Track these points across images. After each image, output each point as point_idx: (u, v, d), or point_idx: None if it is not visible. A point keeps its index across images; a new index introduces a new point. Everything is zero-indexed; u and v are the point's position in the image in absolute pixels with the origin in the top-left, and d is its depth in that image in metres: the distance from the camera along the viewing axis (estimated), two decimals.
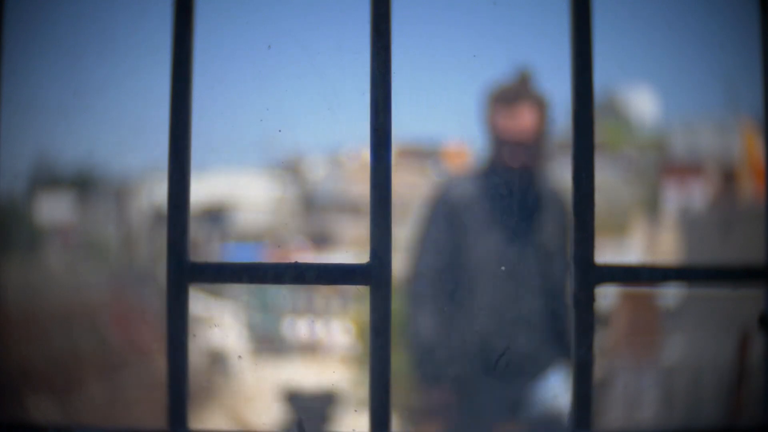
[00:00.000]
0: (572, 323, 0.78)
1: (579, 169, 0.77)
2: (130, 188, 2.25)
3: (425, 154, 2.69)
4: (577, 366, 0.77)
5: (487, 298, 1.63)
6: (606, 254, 1.41)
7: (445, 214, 1.89)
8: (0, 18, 0.82)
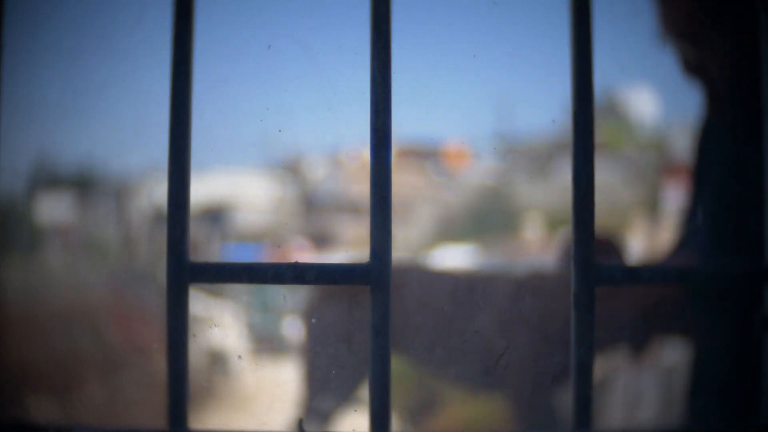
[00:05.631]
0: (572, 323, 0.78)
1: (579, 169, 0.77)
2: (130, 188, 2.25)
3: (425, 154, 2.68)
4: (577, 366, 0.77)
5: None
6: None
7: None
8: (0, 18, 0.82)
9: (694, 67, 1.29)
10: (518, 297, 1.33)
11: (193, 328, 0.79)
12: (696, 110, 1.35)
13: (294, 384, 1.42)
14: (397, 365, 0.82)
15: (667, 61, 1.34)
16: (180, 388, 0.77)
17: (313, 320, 1.41)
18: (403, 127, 0.82)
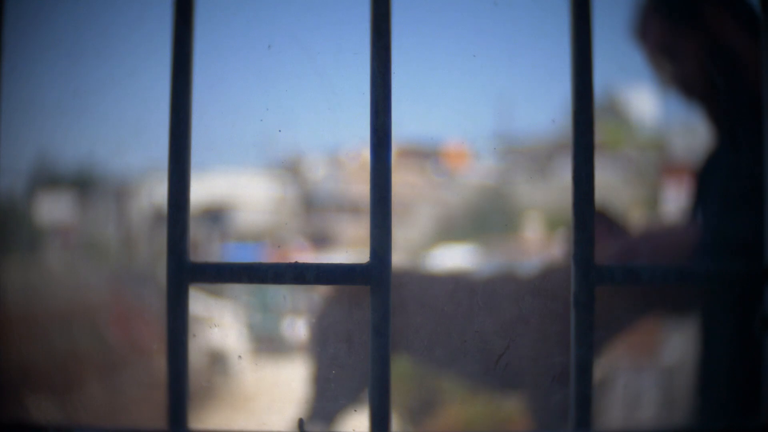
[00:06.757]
0: (572, 323, 0.78)
1: (579, 168, 0.77)
2: (130, 188, 2.25)
3: (425, 154, 2.68)
4: (577, 366, 0.77)
5: None
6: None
7: None
8: (0, 18, 0.82)
9: (683, 83, 1.28)
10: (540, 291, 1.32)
11: (193, 328, 0.79)
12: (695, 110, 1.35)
13: (293, 384, 1.42)
14: (398, 365, 0.82)
15: None
16: (180, 388, 0.77)
17: (323, 321, 1.40)
18: (403, 127, 0.82)
